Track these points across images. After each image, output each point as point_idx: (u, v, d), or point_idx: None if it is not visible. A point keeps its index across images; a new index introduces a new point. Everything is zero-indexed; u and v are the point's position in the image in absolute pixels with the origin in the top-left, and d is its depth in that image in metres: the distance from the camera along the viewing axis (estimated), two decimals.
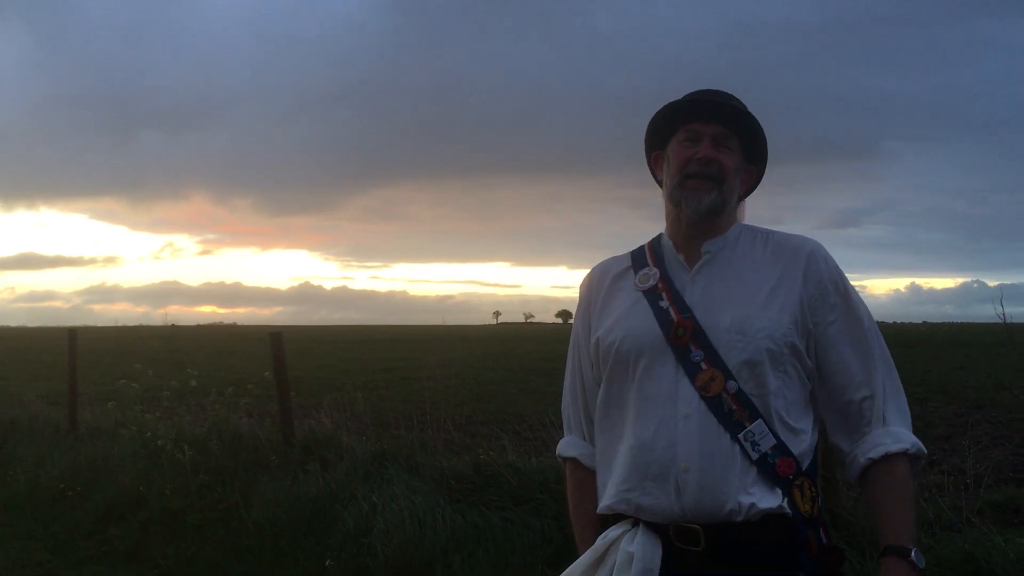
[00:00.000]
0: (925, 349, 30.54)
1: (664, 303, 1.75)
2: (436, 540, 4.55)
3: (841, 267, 1.77)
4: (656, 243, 1.90)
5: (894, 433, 1.67)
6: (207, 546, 5.28)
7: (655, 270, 1.82)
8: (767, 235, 1.82)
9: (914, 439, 1.68)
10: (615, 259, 1.95)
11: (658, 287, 1.78)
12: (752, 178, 1.88)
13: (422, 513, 4.75)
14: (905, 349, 30.66)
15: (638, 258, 1.89)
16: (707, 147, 1.75)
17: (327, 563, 4.65)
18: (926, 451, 1.70)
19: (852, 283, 1.76)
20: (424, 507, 4.81)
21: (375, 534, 4.73)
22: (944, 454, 7.43)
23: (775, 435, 1.62)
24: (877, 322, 1.80)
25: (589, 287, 1.95)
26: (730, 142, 1.78)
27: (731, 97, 1.82)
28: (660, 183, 1.89)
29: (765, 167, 1.87)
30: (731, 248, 1.80)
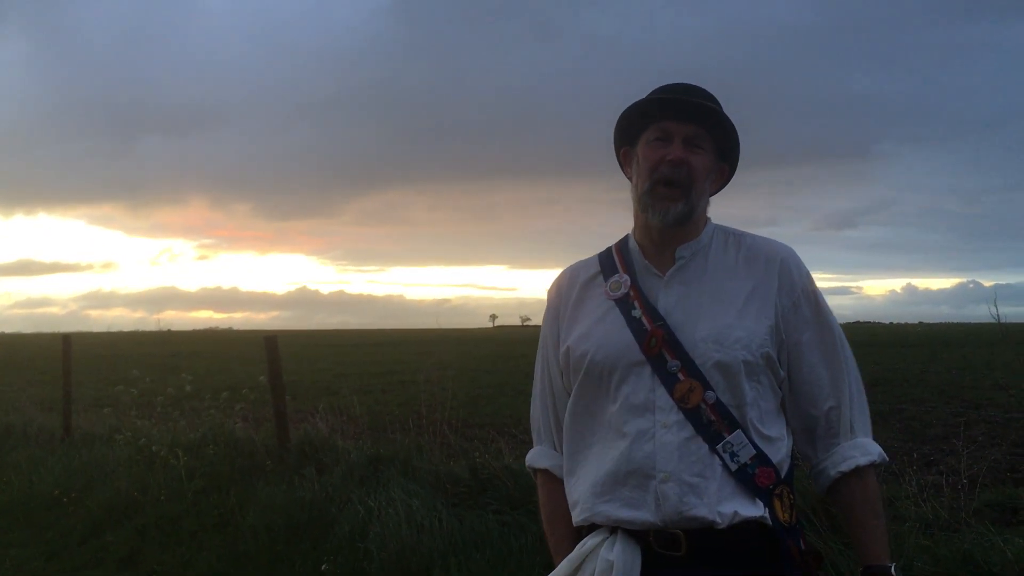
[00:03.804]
0: (921, 349, 30.62)
1: (637, 312, 1.72)
2: (433, 544, 4.53)
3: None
4: (624, 246, 1.86)
5: (861, 445, 1.68)
6: (203, 552, 5.26)
7: (626, 277, 1.78)
8: (739, 238, 1.80)
9: (879, 449, 1.70)
10: (583, 263, 1.90)
11: (630, 295, 1.75)
12: (724, 176, 1.84)
13: (419, 517, 4.73)
14: (901, 349, 30.75)
15: (607, 263, 1.85)
16: (678, 148, 1.71)
17: (323, 568, 4.63)
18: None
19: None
20: (421, 511, 4.79)
21: (372, 539, 4.71)
22: (941, 454, 7.43)
23: (754, 445, 1.61)
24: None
25: (558, 293, 1.90)
26: (702, 142, 1.73)
27: (703, 94, 1.78)
28: (630, 179, 1.84)
29: (737, 165, 1.83)
30: (704, 253, 1.77)
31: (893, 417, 10.12)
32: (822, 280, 1.84)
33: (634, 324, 1.70)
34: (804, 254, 1.80)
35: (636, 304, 1.73)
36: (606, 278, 1.81)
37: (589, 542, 1.68)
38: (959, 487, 4.40)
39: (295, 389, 13.18)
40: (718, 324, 1.66)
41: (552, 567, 1.76)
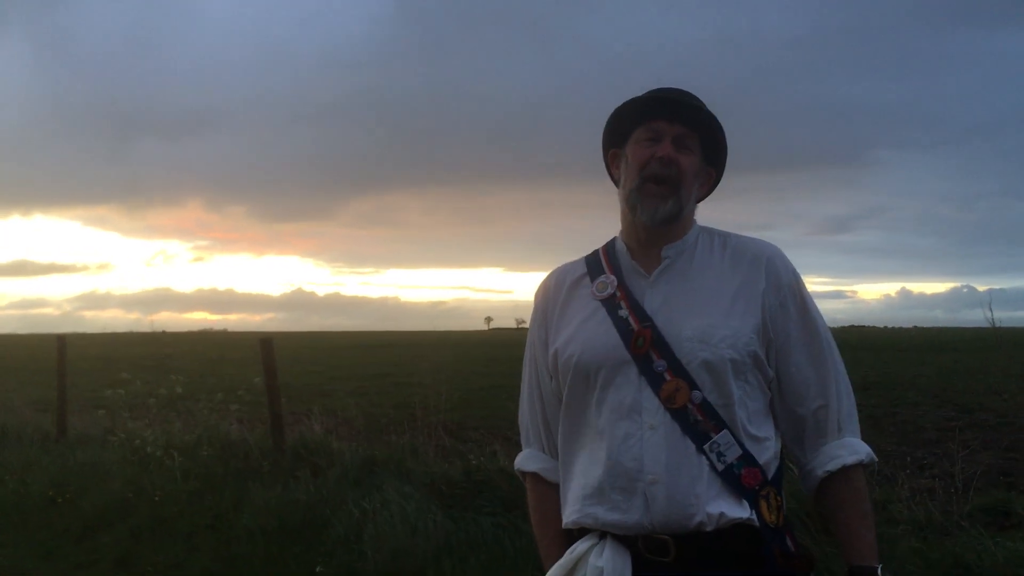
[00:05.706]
0: (915, 353, 30.65)
1: (623, 312, 1.71)
2: (427, 546, 4.54)
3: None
4: (611, 248, 1.85)
5: (849, 444, 1.67)
6: (197, 553, 5.25)
7: (612, 277, 1.77)
8: (725, 238, 1.79)
9: (867, 448, 1.69)
10: (570, 265, 1.89)
11: (616, 295, 1.74)
12: (710, 181, 1.83)
13: (413, 519, 4.74)
14: (896, 353, 30.77)
15: (593, 264, 1.84)
16: (667, 147, 1.71)
17: (317, 569, 4.63)
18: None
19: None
20: (415, 513, 4.79)
21: (366, 540, 4.71)
22: (934, 458, 7.45)
23: (740, 445, 1.61)
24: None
25: (545, 295, 1.89)
26: (691, 143, 1.73)
27: (693, 97, 1.78)
28: (616, 182, 1.84)
29: (723, 170, 1.83)
30: (690, 252, 1.76)
31: (887, 421, 10.14)
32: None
33: (621, 324, 1.70)
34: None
35: (623, 304, 1.72)
36: (592, 279, 1.81)
37: (579, 547, 1.67)
38: (952, 491, 4.41)
39: (290, 391, 13.16)
40: (704, 323, 1.65)
41: (543, 571, 1.75)
